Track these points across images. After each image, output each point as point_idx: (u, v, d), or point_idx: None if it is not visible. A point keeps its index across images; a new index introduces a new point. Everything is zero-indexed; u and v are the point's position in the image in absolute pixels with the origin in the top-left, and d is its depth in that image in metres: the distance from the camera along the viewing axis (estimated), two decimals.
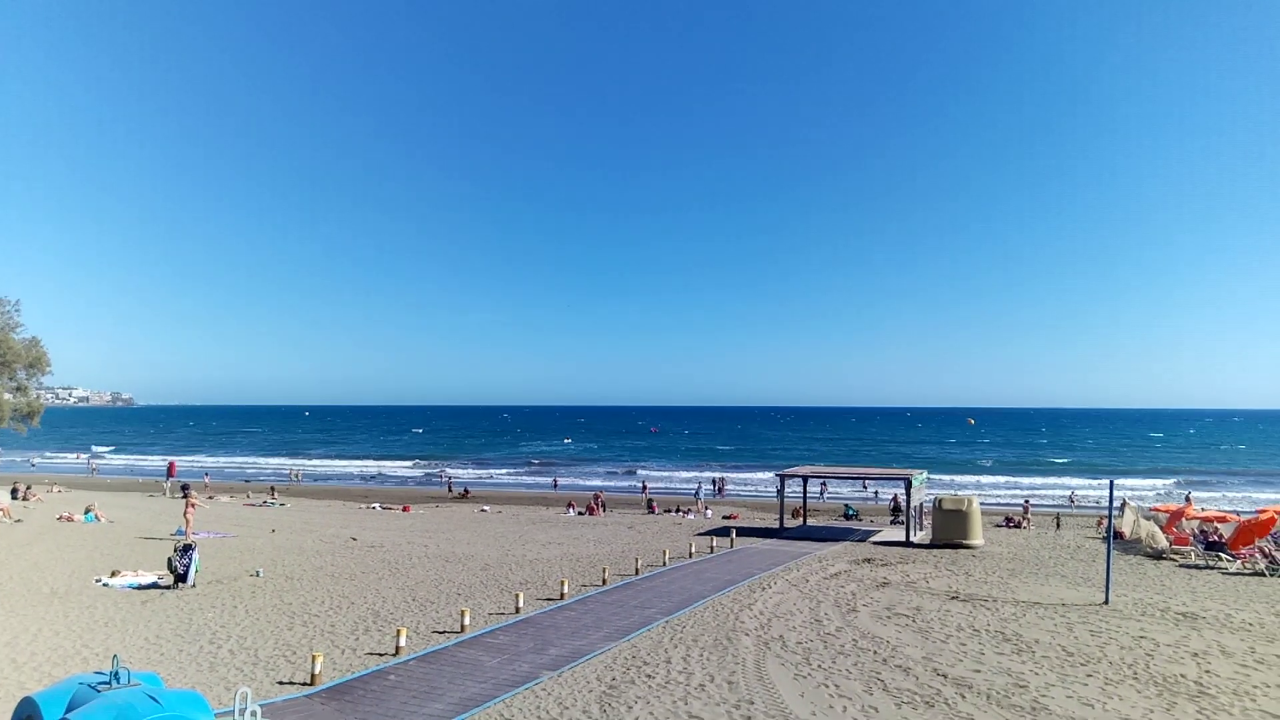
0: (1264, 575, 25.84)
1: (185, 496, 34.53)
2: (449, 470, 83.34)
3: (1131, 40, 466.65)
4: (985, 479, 76.24)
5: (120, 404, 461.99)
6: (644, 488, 60.14)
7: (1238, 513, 38.33)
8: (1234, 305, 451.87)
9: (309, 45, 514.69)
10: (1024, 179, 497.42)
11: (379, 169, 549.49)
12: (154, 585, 21.31)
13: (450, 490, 62.13)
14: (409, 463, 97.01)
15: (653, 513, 46.82)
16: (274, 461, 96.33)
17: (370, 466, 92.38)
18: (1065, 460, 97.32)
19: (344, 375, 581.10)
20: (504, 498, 58.38)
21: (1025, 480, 74.92)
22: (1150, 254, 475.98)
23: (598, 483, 71.25)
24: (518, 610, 18.68)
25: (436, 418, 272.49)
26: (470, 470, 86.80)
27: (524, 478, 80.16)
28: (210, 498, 49.87)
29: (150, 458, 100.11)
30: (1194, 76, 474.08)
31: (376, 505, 49.48)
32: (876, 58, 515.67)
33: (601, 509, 46.79)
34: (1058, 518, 43.00)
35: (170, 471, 58.06)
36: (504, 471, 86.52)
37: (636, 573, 24.39)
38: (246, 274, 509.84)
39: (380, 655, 14.84)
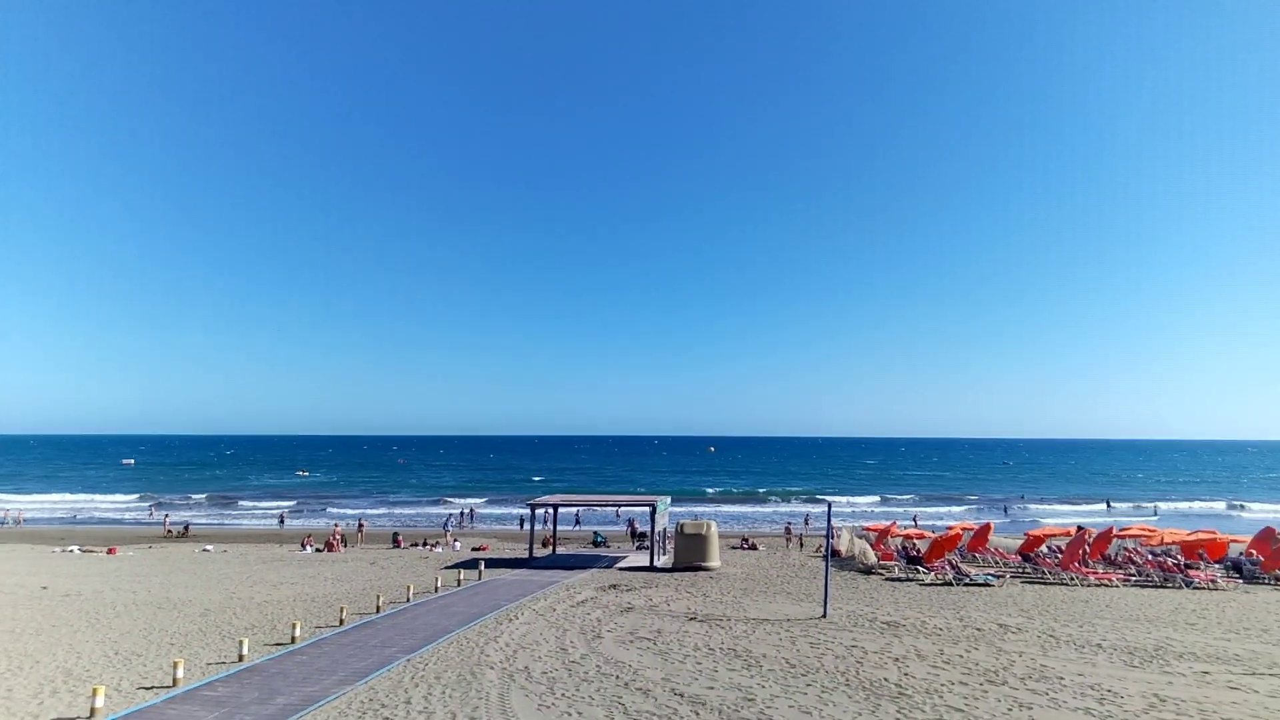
0: (951, 585, 29.48)
1: None
2: (165, 506, 75.29)
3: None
4: (727, 508, 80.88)
5: None
6: (360, 526, 52.92)
7: (933, 529, 43.58)
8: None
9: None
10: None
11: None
12: None
13: (167, 528, 56.09)
14: (117, 498, 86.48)
15: (398, 547, 45.06)
16: None
17: (67, 502, 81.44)
18: (802, 489, 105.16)
19: (35, 400, 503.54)
20: (230, 535, 53.71)
21: (763, 508, 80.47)
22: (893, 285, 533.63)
23: (329, 517, 67.28)
24: (241, 658, 17.16)
25: (150, 449, 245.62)
26: (191, 508, 78.98)
27: (254, 514, 73.82)
28: None
29: None
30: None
31: (75, 548, 43.61)
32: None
33: (342, 545, 44.31)
34: (800, 538, 46.76)
35: None
36: (231, 507, 79.51)
37: (378, 610, 23.32)
38: None
39: None
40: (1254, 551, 34.06)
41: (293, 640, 19.10)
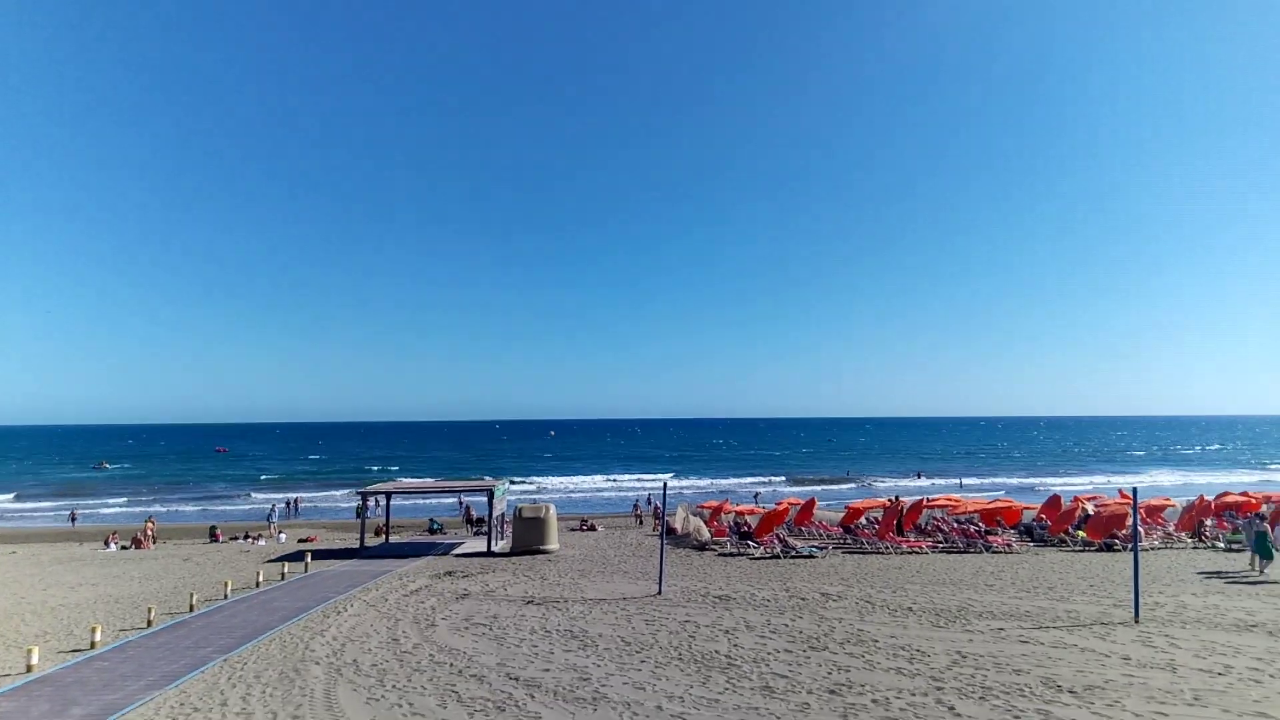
0: (779, 558, 30.85)
1: None
2: None
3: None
4: (569, 493, 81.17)
5: None
6: (150, 524, 43.29)
7: (764, 506, 45.41)
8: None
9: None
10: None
11: None
12: None
13: None
14: None
15: (216, 541, 42.31)
16: None
17: None
18: (673, 472, 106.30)
19: None
20: (21, 535, 48.77)
21: (606, 491, 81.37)
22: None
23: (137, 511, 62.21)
24: (30, 668, 15.58)
25: None
26: None
27: (52, 512, 66.87)
28: None
29: None
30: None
31: None
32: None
33: (151, 541, 41.10)
34: (641, 518, 47.51)
35: None
36: (21, 503, 72.06)
37: (191, 610, 21.84)
38: None
39: None
40: (1043, 516, 37.73)
41: (92, 645, 17.57)
